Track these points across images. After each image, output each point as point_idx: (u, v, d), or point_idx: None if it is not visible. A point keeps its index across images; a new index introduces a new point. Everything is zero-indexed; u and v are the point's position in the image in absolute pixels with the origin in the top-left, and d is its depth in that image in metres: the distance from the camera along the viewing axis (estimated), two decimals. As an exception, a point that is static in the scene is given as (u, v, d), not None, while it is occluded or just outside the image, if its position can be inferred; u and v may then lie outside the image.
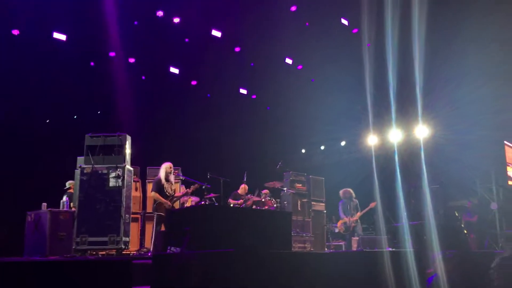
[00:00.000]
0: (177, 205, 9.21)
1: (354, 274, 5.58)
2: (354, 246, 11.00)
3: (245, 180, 10.59)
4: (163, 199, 8.48)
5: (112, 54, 11.88)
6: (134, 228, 9.81)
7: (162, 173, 8.71)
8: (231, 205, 10.31)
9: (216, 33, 12.79)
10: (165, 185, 8.63)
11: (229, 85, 13.93)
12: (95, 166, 8.11)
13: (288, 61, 14.35)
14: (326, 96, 14.05)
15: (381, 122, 14.28)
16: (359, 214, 10.97)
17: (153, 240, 8.38)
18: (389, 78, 12.57)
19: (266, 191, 10.96)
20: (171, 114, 13.00)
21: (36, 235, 7.76)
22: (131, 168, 8.62)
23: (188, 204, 9.78)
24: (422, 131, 13.14)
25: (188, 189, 9.03)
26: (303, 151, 16.25)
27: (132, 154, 8.78)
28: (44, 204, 8.10)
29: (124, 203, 8.03)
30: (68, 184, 9.48)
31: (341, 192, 11.30)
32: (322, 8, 13.34)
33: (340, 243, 11.89)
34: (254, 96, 14.75)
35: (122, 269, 4.75)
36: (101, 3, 10.95)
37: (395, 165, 12.59)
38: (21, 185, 10.11)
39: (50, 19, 10.60)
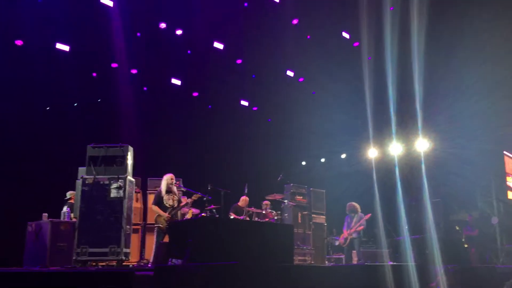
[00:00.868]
0: (178, 216, 9.18)
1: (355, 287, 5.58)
2: (355, 260, 10.96)
3: (245, 192, 10.57)
4: (161, 212, 8.48)
5: (114, 65, 11.93)
6: (135, 239, 9.77)
7: (163, 185, 8.72)
8: (232, 217, 10.28)
9: (218, 45, 12.87)
10: (164, 197, 8.62)
11: (230, 96, 13.98)
12: (97, 177, 8.09)
13: (290, 73, 14.42)
14: (327, 108, 14.11)
15: (381, 135, 14.32)
16: (354, 227, 10.89)
17: (154, 251, 8.35)
18: (389, 91, 12.65)
19: (267, 202, 10.94)
20: (173, 125, 13.02)
21: (37, 245, 7.74)
22: (133, 179, 8.61)
23: (188, 216, 9.76)
24: (422, 145, 13.17)
25: (188, 200, 9.01)
26: (304, 163, 16.25)
27: (133, 165, 8.77)
28: (45, 214, 8.08)
29: (125, 214, 8.00)
30: (68, 194, 9.45)
31: (347, 206, 11.27)
32: (324, 22, 13.46)
33: (340, 256, 11.84)
34: (255, 108, 14.79)
35: (124, 281, 4.74)
36: (105, 15, 11.03)
37: (395, 178, 12.61)
38: (22, 194, 10.08)
39: (54, 30, 10.66)
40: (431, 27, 11.73)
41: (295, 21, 13.57)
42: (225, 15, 12.47)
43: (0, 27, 10.05)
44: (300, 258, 11.13)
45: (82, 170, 8.54)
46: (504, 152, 12.10)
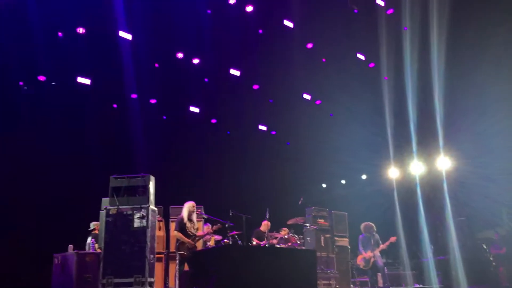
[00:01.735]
0: (200, 244, 9.21)
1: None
2: (380, 282, 10.81)
3: (267, 217, 10.56)
4: (186, 239, 8.51)
5: (134, 96, 12.17)
6: (158, 268, 9.79)
7: (185, 212, 8.77)
8: (254, 243, 10.27)
9: (235, 72, 13.05)
10: (187, 224, 8.66)
11: (248, 122, 14.10)
12: (120, 207, 8.20)
13: (307, 96, 14.51)
14: (346, 129, 14.12)
15: (402, 154, 14.22)
16: (379, 248, 10.79)
17: (177, 280, 8.37)
18: (409, 110, 12.59)
19: (285, 229, 10.87)
20: (193, 153, 13.15)
21: (63, 277, 7.84)
22: (155, 208, 8.69)
23: (211, 243, 9.78)
24: (444, 163, 13.02)
25: (210, 229, 9.04)
26: (324, 185, 16.19)
27: (155, 194, 8.87)
28: (71, 246, 8.19)
29: (149, 243, 8.07)
30: (92, 225, 9.57)
31: (362, 226, 11.20)
32: (338, 44, 13.58)
33: (366, 279, 11.67)
34: (273, 132, 14.86)
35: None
36: (123, 47, 11.32)
37: (417, 198, 12.46)
38: (47, 227, 10.24)
39: (74, 64, 10.98)
40: (452, 43, 11.72)
41: (309, 45, 13.71)
42: (240, 42, 12.68)
43: (23, 63, 10.39)
44: (324, 282, 10.99)
45: (105, 201, 8.67)
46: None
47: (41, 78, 10.68)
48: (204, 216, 10.00)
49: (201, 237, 9.05)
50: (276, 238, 10.45)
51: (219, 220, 8.94)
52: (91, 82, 11.18)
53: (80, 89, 11.22)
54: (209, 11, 12.33)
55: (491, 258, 11.22)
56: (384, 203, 13.08)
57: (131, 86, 11.97)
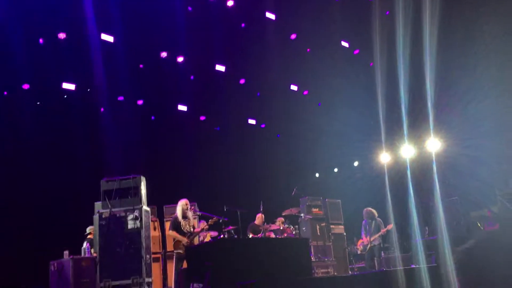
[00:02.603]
0: (196, 241, 9.24)
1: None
2: (377, 267, 10.89)
3: (261, 209, 10.61)
4: (180, 237, 8.54)
5: (120, 98, 12.14)
6: (156, 268, 9.83)
7: (178, 211, 8.80)
8: (250, 236, 10.31)
9: (220, 68, 13.05)
10: (182, 223, 8.69)
11: (237, 116, 14.10)
12: (113, 210, 8.21)
13: (293, 87, 14.53)
14: (336, 116, 14.16)
15: (393, 138, 14.27)
16: (375, 235, 10.87)
17: (175, 278, 8.40)
18: (401, 92, 12.63)
19: (281, 219, 10.93)
20: (183, 151, 13.13)
21: (61, 284, 7.84)
22: (148, 209, 8.71)
23: (207, 239, 9.81)
24: (434, 145, 13.08)
25: (206, 225, 9.07)
26: (317, 175, 16.25)
27: (147, 194, 8.89)
28: (66, 252, 8.18)
29: (144, 244, 8.10)
30: (88, 229, 9.57)
31: (363, 211, 11.27)
32: (324, 32, 13.61)
33: (363, 265, 11.76)
34: (263, 125, 14.88)
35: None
36: (106, 50, 11.29)
37: (407, 181, 12.55)
38: (42, 234, 10.20)
39: (59, 70, 10.92)
40: (444, 27, 11.72)
41: (293, 36, 13.73)
42: (223, 37, 12.68)
43: (6, 71, 10.34)
44: (323, 270, 11.08)
45: (98, 205, 8.69)
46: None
47: (25, 86, 10.62)
48: (198, 213, 10.05)
49: (197, 234, 9.08)
50: (272, 231, 10.50)
51: (213, 216, 8.97)
52: (76, 87, 11.13)
53: (66, 94, 11.18)
54: (190, 8, 12.32)
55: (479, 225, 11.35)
56: (377, 188, 13.15)
57: (117, 88, 11.93)
